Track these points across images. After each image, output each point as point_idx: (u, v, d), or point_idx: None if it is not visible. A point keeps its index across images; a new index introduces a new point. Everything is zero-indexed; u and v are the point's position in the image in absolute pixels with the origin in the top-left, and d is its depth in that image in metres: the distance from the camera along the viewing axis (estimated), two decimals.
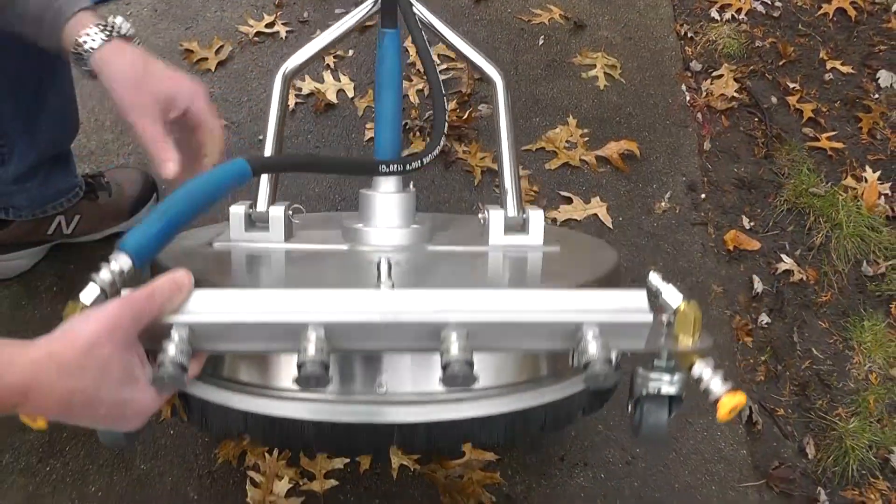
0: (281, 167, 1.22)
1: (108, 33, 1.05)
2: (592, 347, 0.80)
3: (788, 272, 1.81)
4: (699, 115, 2.05)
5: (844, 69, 2.21)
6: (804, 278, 1.80)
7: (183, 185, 0.97)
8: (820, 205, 1.89)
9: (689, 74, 2.14)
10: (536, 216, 1.25)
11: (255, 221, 1.26)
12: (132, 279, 0.88)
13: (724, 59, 2.18)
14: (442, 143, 1.25)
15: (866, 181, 1.96)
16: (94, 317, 0.78)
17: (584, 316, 0.84)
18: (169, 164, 1.04)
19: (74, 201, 1.62)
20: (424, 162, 1.22)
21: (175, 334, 0.81)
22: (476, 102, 2.02)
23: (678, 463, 1.53)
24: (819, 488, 1.55)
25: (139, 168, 1.79)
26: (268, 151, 1.36)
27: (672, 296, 0.90)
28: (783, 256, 1.83)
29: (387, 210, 1.27)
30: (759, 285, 1.78)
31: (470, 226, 1.36)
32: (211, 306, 0.84)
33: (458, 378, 0.78)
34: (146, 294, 0.82)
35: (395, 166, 1.20)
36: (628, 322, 0.85)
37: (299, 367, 0.78)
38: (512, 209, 1.28)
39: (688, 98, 2.07)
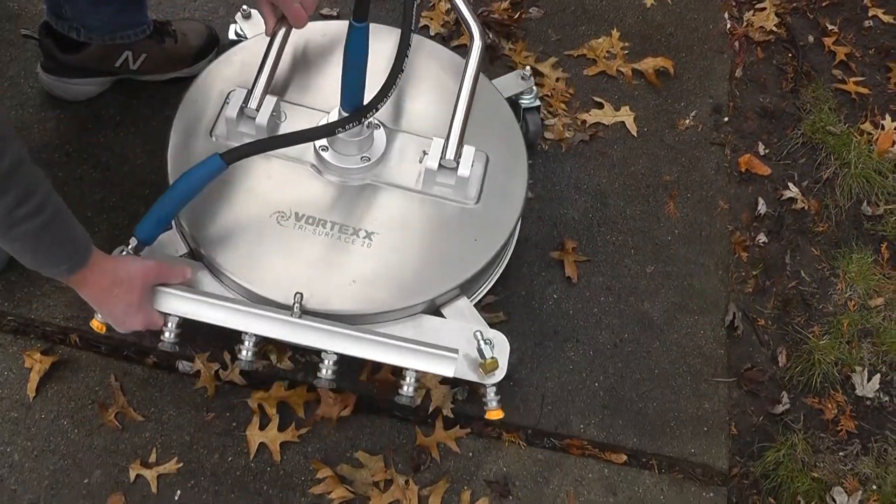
0: (250, 152, 1.36)
1: None
2: (406, 388, 1.37)
3: (792, 199, 1.90)
4: (736, 43, 2.11)
5: (886, 18, 2.24)
6: (806, 207, 1.90)
7: (173, 185, 1.35)
8: (834, 143, 1.97)
9: (733, 3, 2.18)
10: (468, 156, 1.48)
11: (247, 116, 1.48)
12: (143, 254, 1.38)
13: None
14: (387, 99, 1.39)
15: (883, 128, 2.02)
16: (144, 262, 1.33)
17: (407, 363, 1.37)
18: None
19: (142, 37, 1.72)
20: (369, 117, 1.40)
21: (170, 322, 1.35)
22: (528, 4, 2.09)
23: (661, 352, 1.66)
24: (784, 392, 1.67)
25: (204, 22, 1.89)
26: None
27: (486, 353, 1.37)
28: (790, 185, 1.92)
29: (346, 145, 1.48)
30: (763, 207, 1.87)
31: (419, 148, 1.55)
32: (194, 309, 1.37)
33: (323, 381, 1.36)
34: (168, 268, 1.35)
35: (349, 125, 1.38)
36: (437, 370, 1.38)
37: (238, 358, 1.36)
38: (451, 153, 1.46)
39: (728, 26, 2.12)
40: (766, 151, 1.96)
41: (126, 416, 1.52)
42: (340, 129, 1.38)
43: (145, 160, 1.77)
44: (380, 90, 1.37)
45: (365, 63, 1.38)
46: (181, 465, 1.49)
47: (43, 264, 1.17)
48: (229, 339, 1.45)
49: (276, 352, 1.55)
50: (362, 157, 1.49)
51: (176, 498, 1.46)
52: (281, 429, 1.51)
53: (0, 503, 1.44)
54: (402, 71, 1.37)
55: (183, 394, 1.55)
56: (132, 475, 1.47)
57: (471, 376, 1.37)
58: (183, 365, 1.55)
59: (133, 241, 1.34)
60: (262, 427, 1.51)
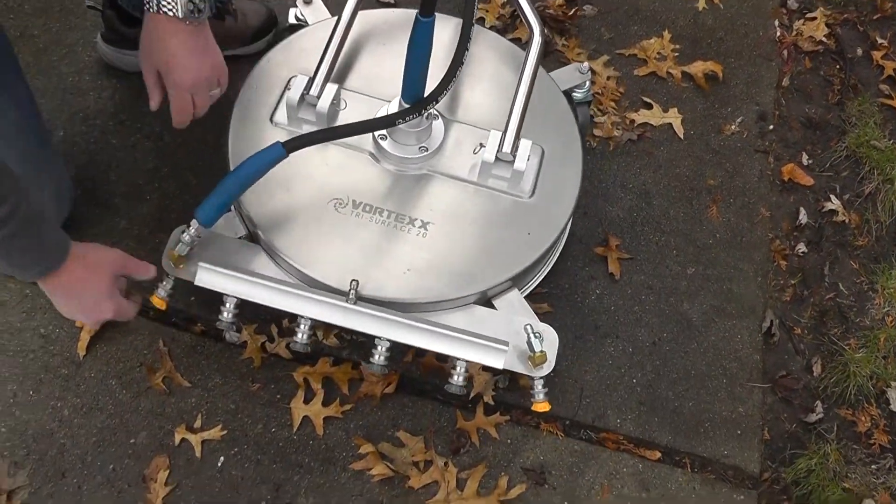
0: (312, 142, 1.35)
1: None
2: (457, 378, 1.36)
3: (833, 212, 1.88)
4: (785, 51, 2.08)
5: None
6: (846, 220, 1.88)
7: (234, 170, 1.32)
8: (878, 158, 1.95)
9: (785, 11, 2.16)
10: (524, 149, 1.46)
11: (308, 103, 1.47)
12: (203, 235, 1.38)
13: (821, 3, 2.19)
14: (447, 91, 1.36)
15: None
16: (112, 250, 1.31)
17: (459, 353, 1.36)
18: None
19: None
20: (429, 108, 1.38)
21: (228, 303, 1.38)
22: (583, 2, 2.07)
23: (698, 353, 1.66)
24: (818, 402, 1.67)
25: (264, 3, 1.88)
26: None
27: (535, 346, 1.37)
28: (832, 197, 1.90)
29: (405, 135, 1.46)
30: (803, 217, 1.86)
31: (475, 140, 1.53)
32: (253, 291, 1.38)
33: (375, 367, 1.35)
34: (135, 261, 1.34)
35: (410, 116, 1.36)
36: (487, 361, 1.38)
37: (294, 340, 1.37)
38: (507, 146, 1.44)
39: (778, 34, 2.10)
40: (810, 162, 1.94)
41: (173, 381, 1.53)
42: (401, 120, 1.37)
43: (199, 133, 1.75)
44: (440, 82, 1.36)
45: (429, 57, 1.37)
46: (225, 432, 1.49)
47: (16, 270, 1.18)
48: (276, 312, 1.45)
49: (323, 329, 1.55)
50: (420, 147, 1.48)
51: (219, 464, 1.47)
52: (325, 403, 1.52)
53: (50, 455, 1.45)
54: (462, 63, 1.36)
55: (229, 363, 1.55)
56: (177, 439, 1.48)
57: (519, 368, 1.37)
58: (230, 335, 1.55)
59: (194, 224, 1.34)
60: (306, 401, 1.52)
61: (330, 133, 1.36)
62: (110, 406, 1.50)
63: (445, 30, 1.55)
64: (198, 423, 1.49)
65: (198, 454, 1.47)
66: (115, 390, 1.52)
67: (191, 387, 1.53)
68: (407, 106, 1.40)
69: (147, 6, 1.20)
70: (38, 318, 1.56)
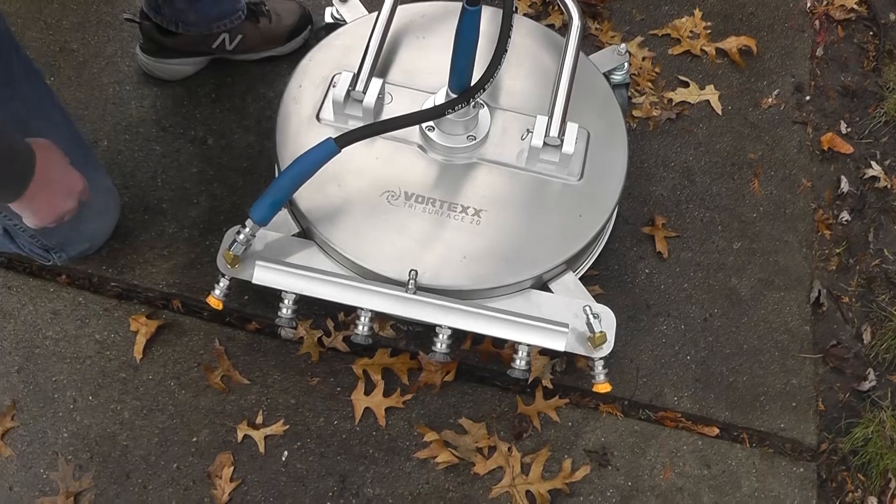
0: (361, 137, 1.33)
1: None
2: (519, 362, 1.35)
3: (875, 178, 1.86)
4: (817, 22, 2.05)
5: None
6: (888, 186, 1.86)
7: (287, 168, 1.31)
8: None
9: None
10: (571, 133, 1.44)
11: (353, 98, 1.47)
12: (257, 235, 1.37)
13: None
14: (494, 79, 1.34)
15: None
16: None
17: (520, 337, 1.35)
18: None
19: (237, 23, 1.71)
20: (477, 97, 1.36)
21: (287, 299, 1.37)
22: None
23: (749, 328, 1.64)
24: (870, 369, 1.65)
25: (298, 1, 1.87)
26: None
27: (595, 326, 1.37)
28: (873, 163, 1.88)
29: (452, 125, 1.45)
30: (845, 185, 1.84)
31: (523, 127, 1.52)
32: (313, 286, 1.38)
33: (438, 355, 1.35)
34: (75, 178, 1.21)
35: (458, 106, 1.35)
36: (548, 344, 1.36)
37: (356, 333, 1.36)
38: (554, 130, 1.42)
39: (809, 4, 2.07)
40: (849, 130, 1.91)
41: (231, 379, 1.52)
42: (450, 110, 1.36)
43: (241, 135, 1.76)
44: (487, 69, 1.34)
45: (476, 45, 1.35)
46: (287, 427, 1.49)
47: None
48: (331, 307, 1.46)
49: (379, 321, 1.54)
50: (468, 136, 1.47)
51: (283, 458, 1.47)
52: (386, 394, 1.51)
53: (113, 457, 1.45)
54: (506, 51, 1.34)
55: (287, 359, 1.55)
56: (239, 435, 1.48)
57: (579, 350, 1.36)
58: (286, 332, 1.55)
59: (249, 223, 1.34)
60: (367, 392, 1.51)
61: (381, 126, 1.35)
62: (170, 406, 1.50)
63: (482, 19, 1.52)
64: (259, 420, 1.49)
65: (261, 449, 1.46)
66: (174, 391, 1.51)
67: (249, 384, 1.52)
68: (454, 96, 1.38)
69: None
70: (93, 325, 1.56)
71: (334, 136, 1.31)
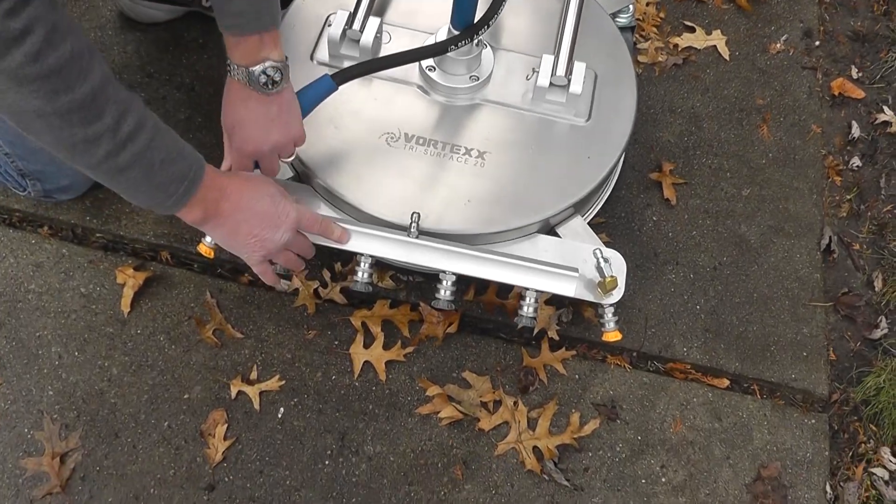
0: (360, 73, 1.22)
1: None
2: (527, 308, 1.24)
3: (886, 123, 1.76)
4: None
5: None
6: None
7: None
8: None
9: None
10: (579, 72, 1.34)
11: (350, 38, 1.36)
12: None
13: None
14: (498, 15, 1.25)
15: None
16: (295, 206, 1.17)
17: (528, 283, 1.25)
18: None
19: None
20: (481, 34, 1.25)
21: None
22: None
23: (759, 275, 1.54)
24: (881, 317, 1.56)
25: None
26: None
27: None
28: (884, 108, 1.77)
29: (454, 64, 1.34)
30: (856, 131, 1.73)
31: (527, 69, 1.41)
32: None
33: (442, 302, 1.24)
34: (321, 225, 1.21)
35: (462, 42, 1.23)
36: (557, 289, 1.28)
37: (355, 280, 1.26)
38: (561, 70, 1.32)
39: None
40: (860, 75, 1.81)
41: (224, 333, 1.41)
42: (452, 46, 1.25)
43: None
44: (490, 6, 1.24)
45: None
46: (283, 382, 1.38)
47: (161, 187, 1.00)
48: (327, 257, 1.36)
49: (377, 271, 1.43)
50: (471, 77, 1.36)
51: (279, 415, 1.36)
52: (386, 347, 1.41)
53: (101, 415, 1.34)
54: None
55: (282, 312, 1.44)
56: (233, 392, 1.37)
57: (588, 296, 1.26)
58: (280, 283, 1.43)
59: None
60: (366, 345, 1.41)
61: (380, 62, 1.23)
62: (160, 362, 1.39)
63: None
64: (254, 375, 1.38)
65: (256, 406, 1.36)
66: (164, 346, 1.40)
67: (243, 338, 1.41)
68: (457, 33, 1.26)
69: (228, 69, 1.09)
70: (78, 278, 1.44)
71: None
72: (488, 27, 1.25)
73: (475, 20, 1.27)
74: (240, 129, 1.15)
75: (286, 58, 1.10)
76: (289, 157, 1.23)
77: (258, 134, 1.15)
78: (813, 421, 1.44)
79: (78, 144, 0.89)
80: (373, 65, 1.23)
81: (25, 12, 0.78)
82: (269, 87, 1.09)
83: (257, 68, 1.07)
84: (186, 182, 1.01)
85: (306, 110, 1.21)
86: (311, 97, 1.20)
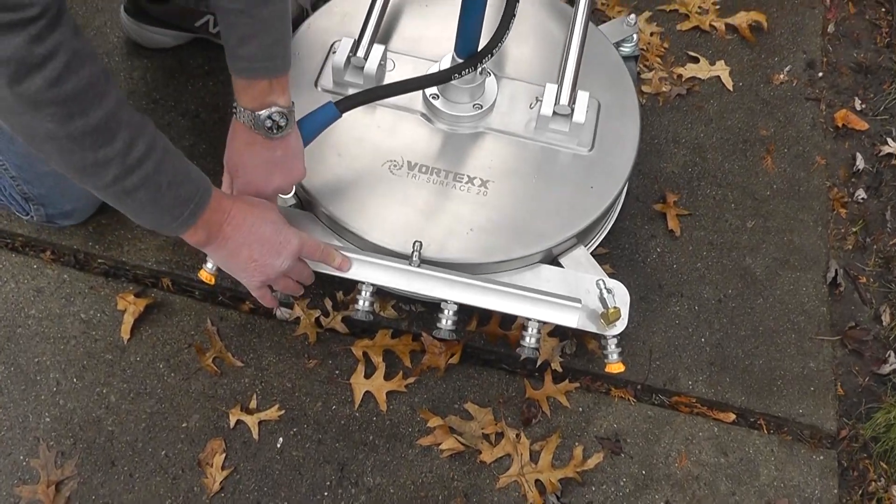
0: (363, 101, 1.21)
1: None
2: (530, 339, 1.23)
3: (891, 155, 1.73)
4: None
5: None
6: None
7: None
8: None
9: None
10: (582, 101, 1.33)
11: (354, 65, 1.36)
12: None
13: None
14: (502, 43, 1.22)
15: None
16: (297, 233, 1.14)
17: (531, 313, 1.23)
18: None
19: None
20: (485, 62, 1.23)
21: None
22: None
23: (764, 308, 1.51)
24: (890, 352, 1.53)
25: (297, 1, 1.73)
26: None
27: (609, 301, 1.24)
28: (889, 140, 1.75)
29: (457, 93, 1.33)
30: (861, 163, 1.71)
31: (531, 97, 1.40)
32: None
33: (443, 332, 1.22)
34: (322, 252, 1.19)
35: (465, 71, 1.22)
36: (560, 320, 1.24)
37: (356, 309, 1.24)
38: (565, 99, 1.31)
39: None
40: (863, 107, 1.79)
41: (224, 362, 1.39)
42: (456, 74, 1.23)
43: None
44: (495, 33, 1.22)
45: (484, 9, 1.23)
46: (283, 412, 1.35)
47: (167, 210, 1.00)
48: (329, 285, 1.34)
49: (379, 300, 1.40)
50: (474, 105, 1.35)
51: (278, 445, 1.33)
52: (387, 377, 1.38)
53: (98, 443, 1.31)
54: (515, 15, 1.21)
55: (282, 340, 1.41)
56: (232, 420, 1.34)
57: (591, 327, 1.23)
58: (281, 312, 1.41)
59: None
60: (367, 375, 1.38)
61: (384, 90, 1.21)
62: (159, 390, 1.36)
63: None
64: (253, 404, 1.35)
65: (255, 436, 1.33)
66: (164, 373, 1.38)
67: (243, 367, 1.38)
68: (461, 61, 1.25)
69: (233, 110, 1.09)
70: (78, 304, 1.42)
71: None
72: (492, 55, 1.24)
73: (479, 48, 1.25)
74: (243, 173, 1.15)
75: (293, 103, 1.09)
76: (287, 194, 1.23)
77: (260, 178, 1.14)
78: (821, 457, 1.40)
79: (88, 167, 0.89)
80: (376, 92, 1.22)
81: (51, 38, 0.79)
82: (274, 131, 1.08)
83: (263, 113, 1.06)
84: (192, 205, 1.00)
85: (309, 137, 1.19)
86: (315, 124, 1.19)
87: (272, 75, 1.05)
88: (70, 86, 0.82)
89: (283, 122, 1.07)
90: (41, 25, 0.78)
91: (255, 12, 1.00)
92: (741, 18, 1.84)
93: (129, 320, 1.41)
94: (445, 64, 1.33)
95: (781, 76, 1.78)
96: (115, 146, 0.89)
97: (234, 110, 1.09)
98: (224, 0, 0.99)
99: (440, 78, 1.24)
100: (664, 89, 1.72)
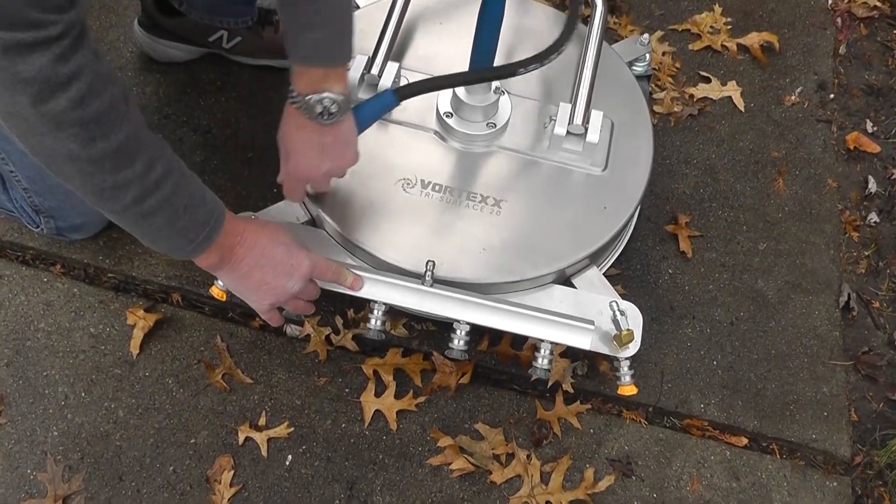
0: (423, 89, 1.20)
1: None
2: (541, 360, 1.21)
3: None
4: (839, 19, 1.92)
5: None
6: None
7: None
8: None
9: None
10: (596, 121, 1.31)
11: (368, 82, 1.35)
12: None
13: None
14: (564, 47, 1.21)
15: None
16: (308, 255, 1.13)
17: (543, 334, 1.21)
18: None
19: (242, 26, 1.57)
20: (552, 58, 1.21)
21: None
22: None
23: (776, 332, 1.49)
24: None
25: None
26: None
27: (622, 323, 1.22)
28: None
29: (471, 111, 1.32)
30: (873, 186, 1.69)
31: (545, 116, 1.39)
32: None
33: (455, 352, 1.20)
34: (334, 272, 1.18)
35: (532, 66, 1.19)
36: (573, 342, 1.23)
37: (368, 328, 1.21)
38: (578, 119, 1.30)
39: (830, 2, 1.93)
40: (875, 129, 1.77)
41: (234, 378, 1.37)
42: (522, 69, 1.20)
43: (248, 124, 1.62)
44: (559, 37, 1.21)
45: (500, 27, 1.23)
46: (292, 429, 1.34)
47: (183, 233, 0.99)
48: (340, 303, 1.32)
49: (391, 318, 1.39)
50: (488, 124, 1.33)
51: (287, 463, 1.31)
52: (398, 396, 1.36)
53: (105, 458, 1.29)
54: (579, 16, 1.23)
55: (292, 357, 1.39)
56: (241, 437, 1.32)
57: (604, 349, 1.21)
58: (291, 329, 1.40)
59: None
60: (377, 394, 1.36)
61: (445, 80, 1.20)
62: (168, 405, 1.34)
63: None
64: (262, 421, 1.33)
65: (264, 453, 1.31)
66: (172, 389, 1.36)
67: (253, 383, 1.37)
68: (528, 57, 1.23)
69: (289, 94, 1.07)
70: (88, 318, 1.41)
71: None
72: (559, 54, 1.21)
73: (494, 63, 1.24)
74: (293, 155, 1.14)
75: (349, 92, 1.07)
76: (341, 177, 1.22)
77: (310, 162, 1.14)
78: (835, 484, 1.37)
79: (107, 190, 0.89)
80: (437, 82, 1.20)
81: (74, 59, 0.79)
82: (325, 117, 1.06)
83: (314, 98, 1.04)
84: (208, 228, 1.00)
85: (365, 124, 1.18)
86: (372, 111, 1.19)
87: (331, 64, 1.03)
88: (93, 108, 0.82)
89: (334, 109, 1.05)
90: (65, 45, 0.78)
91: (320, 1, 0.98)
92: (753, 39, 1.83)
93: (138, 335, 1.39)
94: None
95: (793, 97, 1.77)
96: (136, 168, 0.88)
97: (289, 93, 1.07)
98: None
99: (505, 72, 1.21)
100: (676, 109, 1.70)
